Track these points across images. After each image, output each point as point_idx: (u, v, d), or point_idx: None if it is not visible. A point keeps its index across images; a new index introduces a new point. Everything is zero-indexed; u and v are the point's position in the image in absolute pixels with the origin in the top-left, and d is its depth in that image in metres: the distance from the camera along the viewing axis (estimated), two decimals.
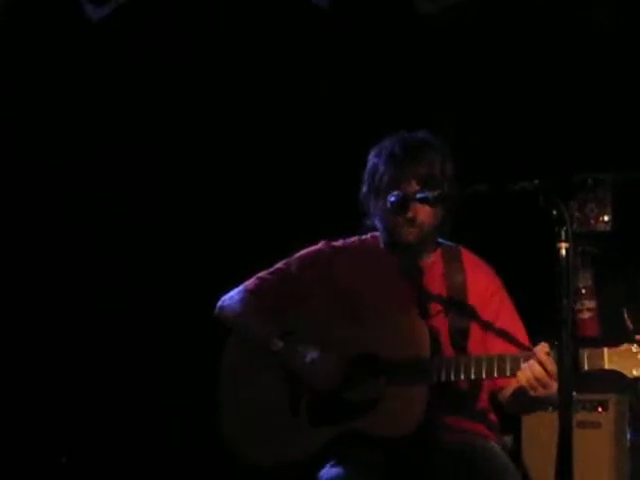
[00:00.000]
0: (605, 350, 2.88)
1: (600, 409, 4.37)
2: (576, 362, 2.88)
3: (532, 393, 2.96)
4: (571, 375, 2.57)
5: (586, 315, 4.84)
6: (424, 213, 3.16)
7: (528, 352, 3.00)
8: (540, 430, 4.19)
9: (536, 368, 2.93)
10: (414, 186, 3.16)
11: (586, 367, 2.90)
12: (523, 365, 2.96)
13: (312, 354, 3.14)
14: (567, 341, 2.55)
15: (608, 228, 4.84)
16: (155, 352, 4.81)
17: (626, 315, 2.88)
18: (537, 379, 2.93)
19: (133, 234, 4.93)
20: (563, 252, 2.56)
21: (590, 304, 4.85)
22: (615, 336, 2.94)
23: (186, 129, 4.88)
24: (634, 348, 2.86)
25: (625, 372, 2.87)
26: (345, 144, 4.50)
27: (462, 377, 3.02)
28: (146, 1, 4.75)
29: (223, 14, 4.77)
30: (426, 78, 4.69)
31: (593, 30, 4.51)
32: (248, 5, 4.73)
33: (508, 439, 3.42)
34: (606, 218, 4.84)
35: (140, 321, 4.86)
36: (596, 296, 4.85)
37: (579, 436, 4.20)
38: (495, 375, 3.02)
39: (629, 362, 2.86)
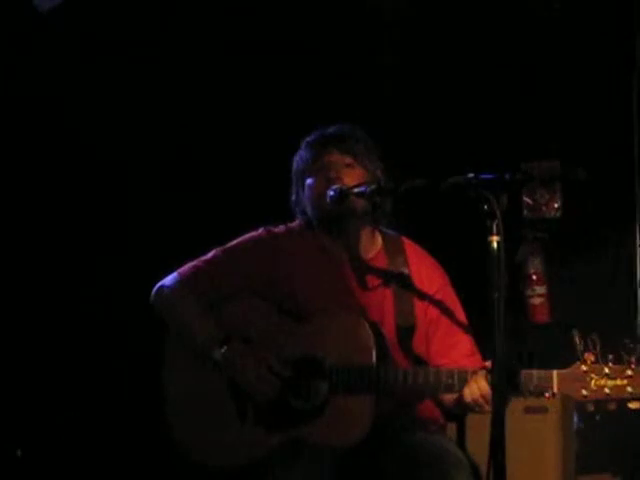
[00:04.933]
0: (554, 373, 2.93)
1: (547, 394, 4.41)
2: (520, 383, 2.93)
3: (476, 410, 2.98)
4: (504, 370, 2.61)
5: (537, 301, 4.89)
6: (348, 176, 3.15)
7: (476, 367, 2.99)
8: (483, 419, 4.22)
9: (482, 385, 2.94)
10: (336, 155, 3.17)
11: (532, 389, 2.94)
12: (470, 381, 2.97)
13: (248, 364, 3.09)
14: (500, 335, 2.59)
15: (558, 214, 4.89)
16: (104, 344, 4.79)
17: (576, 337, 2.90)
18: (483, 396, 2.95)
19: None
20: (495, 245, 2.61)
21: (541, 290, 4.90)
22: (565, 357, 2.95)
23: (130, 124, 4.85)
24: (584, 367, 2.89)
25: (574, 395, 2.91)
26: (277, 135, 4.49)
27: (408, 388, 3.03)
28: None
29: (177, 8, 4.77)
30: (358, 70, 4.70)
31: (527, 17, 4.55)
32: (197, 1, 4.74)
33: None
34: (556, 205, 4.89)
35: (88, 313, 4.84)
36: (547, 282, 4.90)
37: (526, 421, 4.27)
38: (442, 392, 3.05)
39: (577, 384, 2.90)
